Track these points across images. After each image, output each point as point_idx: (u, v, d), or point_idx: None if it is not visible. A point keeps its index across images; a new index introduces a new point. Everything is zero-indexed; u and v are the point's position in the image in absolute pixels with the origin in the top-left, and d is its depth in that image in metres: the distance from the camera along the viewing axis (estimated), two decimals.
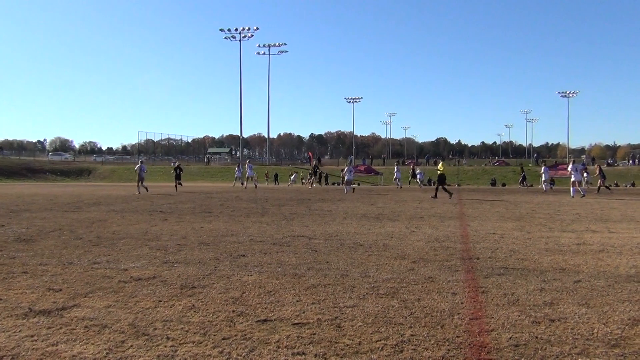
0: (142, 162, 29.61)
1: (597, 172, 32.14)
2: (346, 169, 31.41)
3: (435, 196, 22.21)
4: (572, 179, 24.34)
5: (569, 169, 25.09)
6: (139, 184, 27.93)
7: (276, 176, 58.84)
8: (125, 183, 47.19)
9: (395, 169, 42.59)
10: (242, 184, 37.27)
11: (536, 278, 5.66)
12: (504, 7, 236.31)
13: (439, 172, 23.22)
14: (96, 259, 6.93)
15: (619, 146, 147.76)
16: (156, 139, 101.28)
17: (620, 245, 8.15)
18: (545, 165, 26.54)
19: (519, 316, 4.19)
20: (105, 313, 4.30)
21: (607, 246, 8.03)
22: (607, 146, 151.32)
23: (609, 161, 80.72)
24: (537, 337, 3.67)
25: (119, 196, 23.11)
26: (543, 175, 25.01)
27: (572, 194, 23.82)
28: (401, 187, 38.35)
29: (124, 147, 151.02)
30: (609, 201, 20.40)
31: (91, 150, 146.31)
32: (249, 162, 39.00)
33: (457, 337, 3.68)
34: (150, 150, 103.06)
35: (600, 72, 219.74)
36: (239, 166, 39.10)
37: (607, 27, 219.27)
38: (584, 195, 23.03)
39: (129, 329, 3.88)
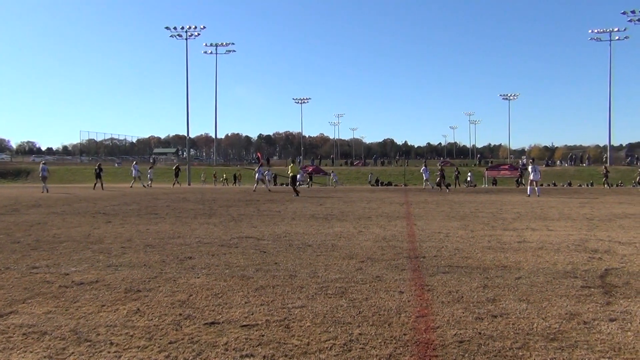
0: (43, 163, 32.12)
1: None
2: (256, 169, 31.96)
3: (297, 194, 24.54)
4: (531, 178, 25.30)
5: (529, 169, 26.12)
6: (44, 183, 29.71)
7: (235, 177, 57.99)
8: (67, 184, 45.60)
9: (423, 169, 38.38)
10: (144, 185, 37.46)
11: (479, 275, 5.83)
12: (450, 12, 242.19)
13: (290, 174, 25.57)
14: (35, 263, 6.67)
15: (557, 147, 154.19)
16: (99, 138, 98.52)
17: (558, 242, 8.49)
18: (533, 163, 27.66)
19: (463, 313, 4.30)
20: (44, 319, 4.14)
21: (546, 244, 8.34)
22: (546, 147, 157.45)
23: (548, 162, 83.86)
24: (480, 333, 3.78)
25: (60, 198, 22.30)
26: (531, 175, 25.67)
27: (528, 193, 24.72)
28: (432, 188, 33.70)
29: (65, 148, 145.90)
30: (548, 200, 21.20)
31: (30, 150, 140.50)
32: (135, 163, 40.41)
33: (404, 334, 3.75)
34: (92, 151, 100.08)
35: (539, 76, 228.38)
36: (134, 164, 39.46)
37: (545, 33, 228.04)
38: (539, 195, 23.97)
39: (70, 335, 3.76)
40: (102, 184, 32.07)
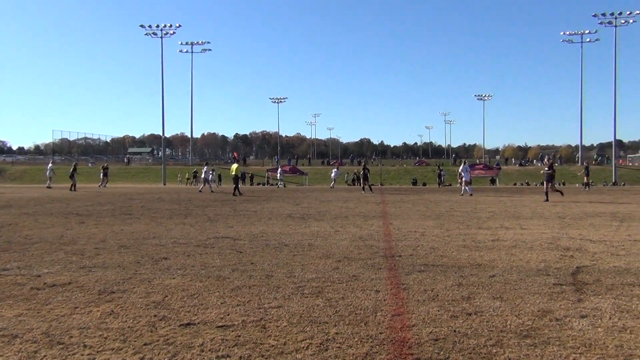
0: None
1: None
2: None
3: (237, 194, 25.15)
4: (464, 178, 25.92)
5: (460, 169, 26.48)
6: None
7: (252, 177, 56.81)
8: (40, 184, 44.76)
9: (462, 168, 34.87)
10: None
11: (454, 274, 5.89)
12: (425, 13, 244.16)
13: (232, 174, 26.13)
14: (6, 265, 6.53)
15: (530, 147, 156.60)
16: (72, 138, 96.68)
17: (531, 241, 8.63)
18: (465, 163, 27.33)
19: (439, 311, 4.34)
20: (15, 322, 4.06)
21: (519, 242, 8.47)
22: (519, 147, 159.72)
23: (521, 161, 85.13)
24: (455, 331, 3.82)
25: (32, 198, 21.88)
26: (463, 175, 25.74)
27: (461, 193, 25.46)
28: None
29: (37, 147, 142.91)
30: (521, 199, 21.53)
31: (0, 149, 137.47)
32: (51, 162, 40.27)
33: (380, 333, 3.77)
34: (65, 150, 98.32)
35: (513, 77, 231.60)
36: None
37: (519, 34, 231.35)
38: (471, 194, 24.64)
39: (42, 338, 3.69)
40: (75, 185, 31.49)
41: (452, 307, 4.48)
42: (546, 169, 21.71)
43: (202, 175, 31.36)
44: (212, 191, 29.64)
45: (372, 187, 30.28)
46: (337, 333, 3.79)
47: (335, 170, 42.05)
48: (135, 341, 3.63)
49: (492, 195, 24.58)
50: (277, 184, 46.46)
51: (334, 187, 38.80)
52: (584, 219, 12.60)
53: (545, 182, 21.40)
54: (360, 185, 30.72)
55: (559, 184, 42.57)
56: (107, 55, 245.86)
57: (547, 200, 20.21)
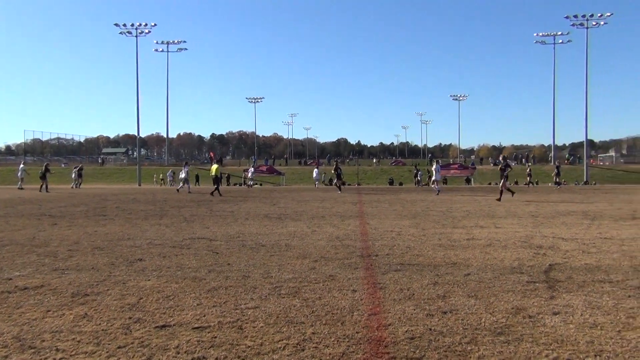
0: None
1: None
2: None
3: (216, 194, 25.12)
4: (434, 178, 26.33)
5: (432, 169, 26.73)
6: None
7: (228, 177, 56.20)
8: (11, 185, 43.88)
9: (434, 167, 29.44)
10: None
11: (430, 273, 5.94)
12: (403, 13, 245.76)
13: (212, 175, 26.42)
14: None
15: (504, 147, 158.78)
16: (44, 138, 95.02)
17: (505, 239, 8.75)
18: (437, 163, 27.49)
19: (414, 310, 4.38)
20: None
21: (494, 241, 8.59)
22: (494, 147, 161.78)
23: (496, 161, 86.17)
24: (430, 329, 3.85)
25: (3, 199, 21.43)
26: (434, 175, 25.97)
27: (437, 191, 25.90)
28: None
29: (8, 147, 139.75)
30: (496, 198, 21.80)
31: None
32: (22, 163, 40.15)
33: (357, 333, 3.79)
34: (37, 151, 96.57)
35: (488, 77, 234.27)
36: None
37: (494, 35, 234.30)
38: (437, 194, 25.01)
39: (13, 342, 3.62)
40: (46, 186, 30.99)
41: (427, 305, 4.53)
42: (502, 167, 21.40)
43: (181, 175, 31.04)
44: (189, 192, 29.41)
45: (341, 187, 30.42)
46: (313, 333, 3.80)
47: (316, 170, 42.15)
48: (109, 344, 3.58)
49: (467, 195, 24.85)
50: (248, 184, 46.34)
51: (318, 186, 38.91)
52: (556, 217, 12.83)
53: (502, 181, 21.11)
54: (335, 185, 30.72)
55: (534, 184, 43.26)
56: (81, 54, 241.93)
57: (499, 199, 20.02)
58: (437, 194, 24.58)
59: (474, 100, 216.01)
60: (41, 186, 30.29)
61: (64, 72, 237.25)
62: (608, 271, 6.01)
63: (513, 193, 21.95)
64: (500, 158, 21.24)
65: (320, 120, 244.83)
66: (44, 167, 31.94)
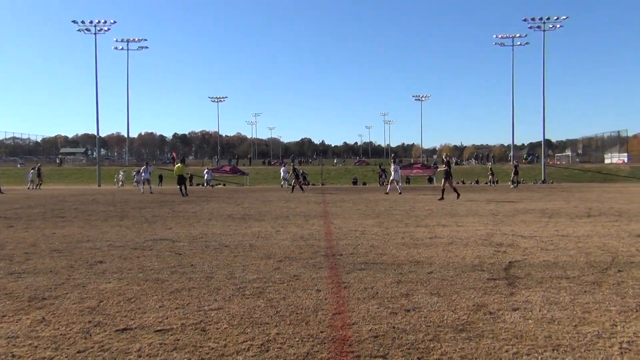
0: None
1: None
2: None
3: (182, 194, 25.19)
4: (392, 177, 26.61)
5: (391, 169, 27.28)
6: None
7: (191, 178, 54.45)
8: None
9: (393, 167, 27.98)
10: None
11: (394, 271, 6.00)
12: (365, 13, 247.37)
13: (176, 175, 26.43)
14: None
15: (465, 147, 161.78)
16: None
17: (466, 237, 8.90)
18: (395, 163, 27.69)
19: (378, 308, 4.41)
20: None
21: (456, 239, 8.73)
22: (455, 146, 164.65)
23: (457, 160, 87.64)
24: (394, 327, 3.89)
25: None
26: (392, 174, 26.18)
27: (387, 191, 26.41)
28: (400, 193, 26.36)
29: None
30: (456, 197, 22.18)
31: None
32: None
33: (321, 332, 3.79)
34: None
35: (449, 78, 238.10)
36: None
37: (455, 37, 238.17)
38: (387, 193, 25.61)
39: None
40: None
41: (391, 304, 4.57)
42: (443, 166, 21.31)
43: (143, 176, 30.37)
44: (151, 192, 28.98)
45: (294, 188, 30.50)
46: (278, 333, 3.78)
47: (283, 168, 42.01)
48: (68, 349, 3.49)
49: (430, 194, 25.19)
50: (205, 185, 46.11)
51: (285, 185, 38.76)
52: (515, 215, 13.13)
53: (443, 180, 20.99)
54: (295, 186, 30.57)
55: (496, 182, 44.15)
56: (38, 51, 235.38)
57: (442, 198, 19.99)
58: (386, 193, 24.90)
59: (436, 100, 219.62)
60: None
61: (20, 70, 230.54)
62: (565, 267, 6.18)
63: (458, 195, 20.96)
64: (444, 156, 21.26)
65: (284, 120, 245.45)
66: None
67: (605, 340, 3.62)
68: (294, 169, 31.64)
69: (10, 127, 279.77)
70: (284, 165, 46.36)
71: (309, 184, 48.38)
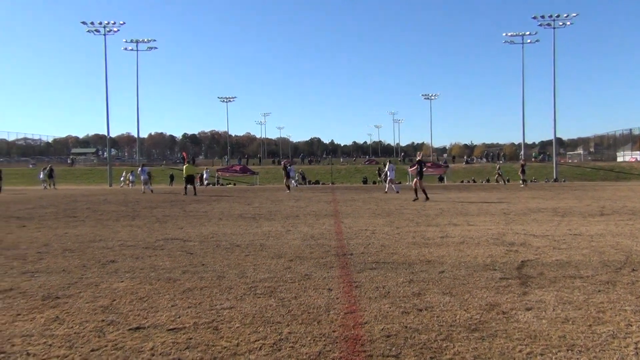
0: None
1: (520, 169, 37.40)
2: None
3: (187, 193, 25.75)
4: (389, 177, 26.88)
5: (386, 168, 27.57)
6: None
7: (172, 177, 54.93)
8: None
9: (388, 167, 28.28)
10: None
11: (405, 270, 5.98)
12: (374, 13, 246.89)
13: (185, 175, 26.53)
14: None
15: (476, 145, 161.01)
16: (11, 138, 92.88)
17: (478, 237, 8.86)
18: (390, 162, 27.88)
19: (390, 307, 4.40)
20: None
21: (467, 238, 8.68)
22: (466, 145, 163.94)
23: (468, 159, 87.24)
24: (406, 327, 3.87)
25: None
26: (389, 174, 26.27)
27: (386, 190, 26.46)
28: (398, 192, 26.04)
29: None
30: (468, 196, 22.09)
31: None
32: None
33: (333, 331, 3.79)
34: (4, 151, 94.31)
35: (459, 76, 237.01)
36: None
37: (465, 35, 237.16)
38: (397, 192, 25.61)
39: None
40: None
41: (403, 303, 4.55)
42: (416, 167, 20.36)
43: (142, 177, 30.77)
44: (145, 192, 29.16)
45: (289, 186, 30.82)
46: (290, 332, 3.78)
47: (290, 167, 42.13)
48: (82, 347, 3.52)
49: (440, 193, 25.11)
50: (206, 184, 46.43)
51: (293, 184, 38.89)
52: (527, 214, 13.04)
53: (415, 180, 20.16)
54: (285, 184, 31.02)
55: (505, 182, 43.91)
56: (48, 53, 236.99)
57: (416, 198, 19.39)
58: (397, 192, 24.97)
59: (445, 99, 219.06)
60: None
61: (32, 71, 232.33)
62: (578, 267, 6.13)
63: (427, 198, 19.47)
64: (418, 156, 20.94)
65: (294, 119, 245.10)
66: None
67: (620, 340, 3.59)
68: (285, 167, 31.83)
69: (21, 128, 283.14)
70: (291, 165, 46.52)
71: (309, 182, 48.56)
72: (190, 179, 26.24)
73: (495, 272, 5.88)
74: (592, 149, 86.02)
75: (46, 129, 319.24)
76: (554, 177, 53.93)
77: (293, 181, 39.54)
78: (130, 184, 45.69)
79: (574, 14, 56.73)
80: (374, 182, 46.70)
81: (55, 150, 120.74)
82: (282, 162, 37.95)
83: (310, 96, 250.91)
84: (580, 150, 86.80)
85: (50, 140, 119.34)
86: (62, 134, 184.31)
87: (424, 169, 20.91)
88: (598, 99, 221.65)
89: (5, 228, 10.96)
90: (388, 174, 26.87)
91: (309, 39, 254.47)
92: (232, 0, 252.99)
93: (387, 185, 26.74)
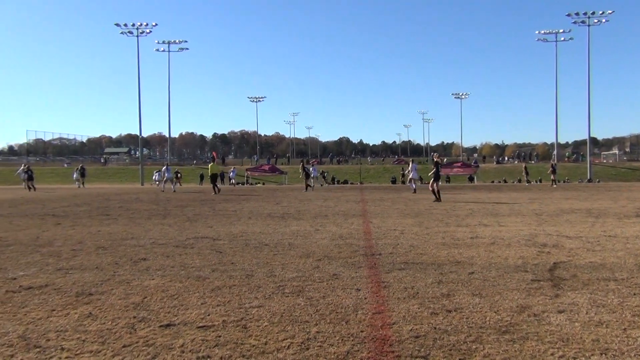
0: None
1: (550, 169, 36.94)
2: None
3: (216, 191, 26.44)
4: (411, 176, 27.41)
5: (409, 168, 27.63)
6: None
7: (222, 176, 54.84)
8: (13, 186, 44.00)
9: (411, 167, 28.07)
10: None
11: (434, 271, 5.93)
12: (405, 12, 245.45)
13: (210, 174, 27.42)
14: None
15: (507, 145, 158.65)
16: (47, 138, 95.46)
17: (508, 237, 8.73)
18: (412, 162, 27.82)
19: (419, 308, 4.37)
20: None
21: (498, 239, 8.56)
22: (497, 145, 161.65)
23: (499, 159, 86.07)
24: (435, 328, 3.84)
25: (6, 199, 21.49)
26: (411, 173, 26.13)
27: (414, 190, 26.37)
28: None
29: (11, 147, 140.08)
30: (499, 196, 21.78)
31: None
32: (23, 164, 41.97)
33: (361, 331, 3.78)
34: (40, 151, 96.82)
35: (490, 75, 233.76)
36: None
37: (496, 33, 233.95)
38: (414, 192, 25.55)
39: (18, 341, 3.63)
40: (33, 186, 32.83)
41: (432, 304, 4.51)
42: (433, 168, 19.91)
43: (166, 175, 31.59)
44: (165, 191, 29.60)
45: (309, 186, 31.38)
46: (318, 332, 3.79)
47: (313, 168, 42.26)
48: (114, 343, 3.58)
49: (471, 193, 24.82)
50: (234, 184, 46.89)
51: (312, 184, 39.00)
52: (560, 215, 12.80)
53: (431, 181, 19.55)
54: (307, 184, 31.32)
55: (535, 182, 43.17)
56: (83, 54, 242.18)
57: (437, 199, 18.78)
58: (414, 192, 25.02)
59: (476, 98, 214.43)
60: (33, 186, 32.81)
61: (67, 72, 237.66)
62: (613, 269, 5.99)
63: (439, 199, 19.00)
64: (435, 157, 20.67)
65: (322, 119, 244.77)
66: (26, 168, 34.83)
67: None
68: (304, 167, 31.99)
69: (57, 128, 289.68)
70: (313, 165, 46.83)
71: (337, 182, 48.58)
72: (214, 178, 26.82)
73: (526, 273, 5.78)
74: (627, 149, 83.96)
75: (81, 129, 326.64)
76: (588, 177, 52.80)
77: (315, 181, 39.72)
78: (160, 183, 46.34)
79: (610, 12, 55.44)
80: (402, 182, 46.61)
81: (89, 150, 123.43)
82: (301, 162, 38.21)
83: (339, 96, 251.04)
84: (615, 150, 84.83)
85: (84, 140, 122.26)
86: (96, 133, 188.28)
87: (440, 171, 20.21)
88: (634, 98, 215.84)
89: (42, 225, 11.24)
90: (411, 173, 27.08)
91: (338, 39, 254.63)
92: (261, 1, 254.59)
93: (414, 186, 26.80)
